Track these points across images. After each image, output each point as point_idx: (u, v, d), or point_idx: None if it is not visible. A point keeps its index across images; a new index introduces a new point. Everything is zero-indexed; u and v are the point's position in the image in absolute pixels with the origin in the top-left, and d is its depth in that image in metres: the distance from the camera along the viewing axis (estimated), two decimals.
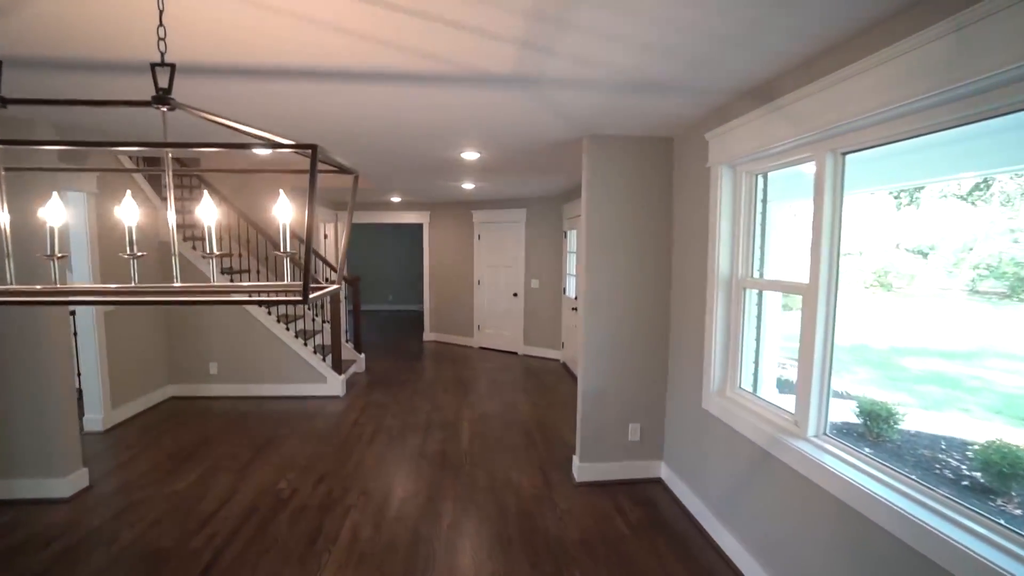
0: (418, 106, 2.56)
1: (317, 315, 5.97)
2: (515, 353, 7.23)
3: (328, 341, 5.42)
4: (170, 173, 1.15)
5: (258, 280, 5.36)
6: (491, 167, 4.37)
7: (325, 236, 7.61)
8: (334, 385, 5.07)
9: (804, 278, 2.04)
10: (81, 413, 4.06)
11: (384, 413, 4.61)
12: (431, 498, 3.06)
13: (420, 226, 8.51)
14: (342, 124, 2.95)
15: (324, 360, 5.12)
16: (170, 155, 1.16)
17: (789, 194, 2.48)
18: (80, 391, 3.99)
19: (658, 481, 3.33)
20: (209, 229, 1.14)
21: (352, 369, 5.99)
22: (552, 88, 2.27)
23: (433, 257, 8.02)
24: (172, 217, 1.15)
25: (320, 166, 1.11)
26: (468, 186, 5.73)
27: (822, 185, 1.92)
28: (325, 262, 6.02)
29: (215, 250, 1.15)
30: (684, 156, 3.06)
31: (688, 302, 3.04)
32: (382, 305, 11.85)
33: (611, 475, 3.32)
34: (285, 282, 1.12)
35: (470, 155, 3.79)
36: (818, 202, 1.94)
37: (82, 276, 3.86)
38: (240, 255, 5.48)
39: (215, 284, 1.10)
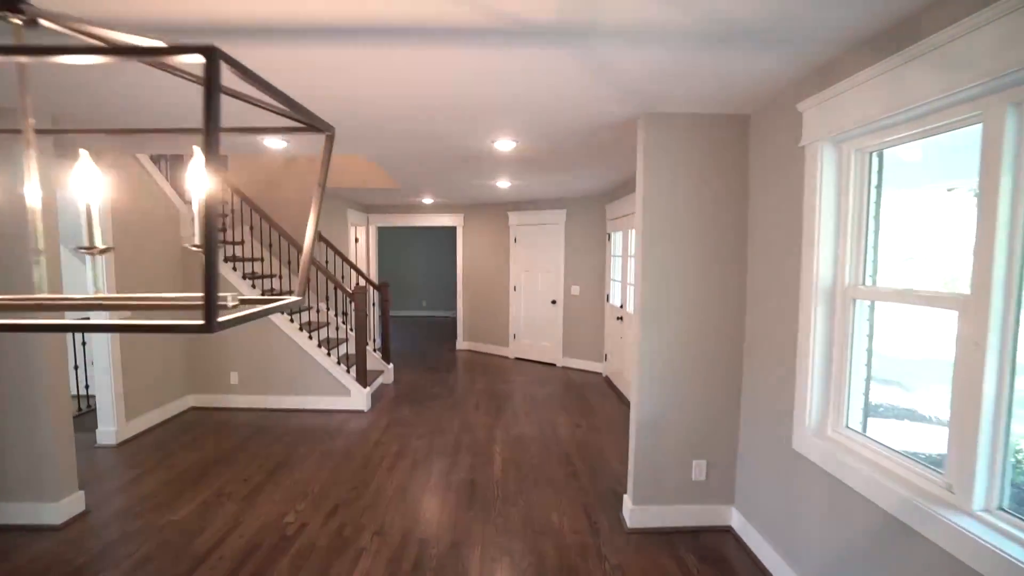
0: (443, 80, 2.14)
1: (344, 322, 5.67)
2: (553, 365, 6.72)
3: (354, 351, 5.08)
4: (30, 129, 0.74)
5: (277, 288, 5.10)
6: (528, 159, 3.92)
7: (356, 240, 7.35)
8: (358, 399, 4.72)
9: (955, 286, 1.46)
10: (93, 426, 3.86)
11: (410, 433, 4.20)
12: (455, 544, 2.60)
13: (454, 229, 8.17)
14: (363, 108, 2.56)
15: (349, 372, 4.78)
16: (29, 104, 0.75)
17: (895, 181, 1.91)
18: (91, 404, 3.77)
19: (727, 530, 2.75)
20: (88, 209, 0.72)
21: (379, 381, 5.64)
22: (604, 43, 1.78)
23: (467, 262, 7.64)
24: (34, 193, 0.73)
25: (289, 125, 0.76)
26: (503, 184, 5.30)
27: (997, 155, 1.35)
28: (356, 269, 5.71)
29: (97, 243, 0.72)
30: (766, 136, 2.50)
31: (769, 316, 2.47)
32: (416, 311, 11.58)
33: (670, 521, 2.77)
34: (187, 295, 0.68)
35: (504, 144, 3.34)
36: (989, 180, 1.37)
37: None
38: (260, 258, 5.24)
39: (74, 297, 0.68)
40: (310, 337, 4.71)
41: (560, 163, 4.02)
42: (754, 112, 2.59)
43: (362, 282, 5.77)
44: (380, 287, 5.66)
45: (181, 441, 3.97)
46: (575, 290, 6.46)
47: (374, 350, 5.76)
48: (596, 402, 5.13)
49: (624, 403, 5.00)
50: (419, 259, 11.50)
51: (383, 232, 11.43)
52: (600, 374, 6.24)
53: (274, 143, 3.41)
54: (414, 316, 11.49)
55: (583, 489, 3.24)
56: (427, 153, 3.71)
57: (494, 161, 3.97)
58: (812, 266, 2.09)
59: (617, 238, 5.69)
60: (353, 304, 4.65)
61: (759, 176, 2.56)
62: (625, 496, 2.88)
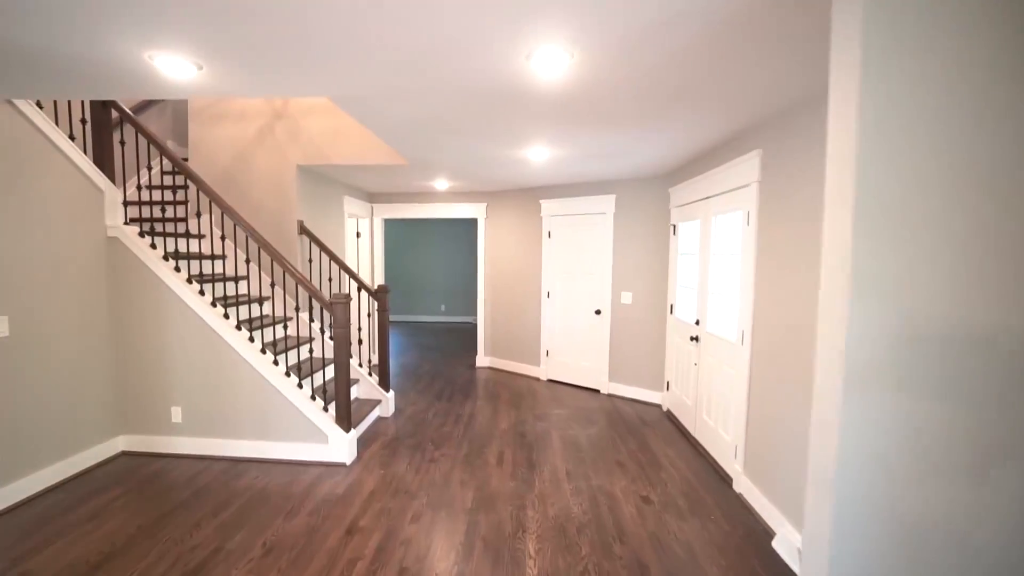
0: None
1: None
2: (596, 392, 5.35)
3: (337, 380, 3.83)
4: None
5: (242, 294, 3.87)
6: (583, 100, 2.57)
7: (358, 235, 6.13)
8: (338, 447, 3.46)
9: None
10: None
11: (403, 508, 2.91)
12: None
13: (474, 221, 6.89)
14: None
15: (328, 408, 3.53)
16: None
17: None
18: None
19: None
20: None
21: (375, 414, 4.38)
22: None
23: (490, 261, 6.33)
24: None
25: None
26: (537, 156, 3.96)
27: None
28: (342, 266, 4.47)
29: None
30: None
31: None
32: (433, 316, 10.35)
33: None
34: None
35: (550, 60, 2.01)
36: None
37: None
38: (221, 256, 4.04)
39: None
40: (276, 361, 3.47)
41: (636, 104, 2.64)
42: None
43: (354, 285, 4.54)
44: (377, 292, 4.40)
45: (85, 511, 2.78)
46: (626, 298, 5.08)
47: (369, 373, 4.51)
48: (661, 451, 3.75)
49: (699, 453, 3.61)
50: (437, 257, 10.26)
51: (392, 226, 10.24)
52: (659, 407, 4.85)
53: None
54: (431, 322, 10.26)
55: None
56: (428, 91, 2.40)
57: (530, 106, 2.63)
58: None
59: (689, 231, 4.29)
60: (332, 318, 3.40)
61: None
62: None
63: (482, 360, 6.43)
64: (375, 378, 4.51)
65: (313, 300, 4.15)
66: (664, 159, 4.02)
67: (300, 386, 3.47)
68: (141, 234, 3.47)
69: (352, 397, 4.39)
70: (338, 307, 3.37)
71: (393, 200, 6.33)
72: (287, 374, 3.47)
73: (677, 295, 4.49)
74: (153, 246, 3.45)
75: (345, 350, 3.43)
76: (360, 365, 4.49)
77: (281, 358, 3.68)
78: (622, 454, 3.72)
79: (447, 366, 6.50)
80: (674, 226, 4.56)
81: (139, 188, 4.30)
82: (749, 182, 3.00)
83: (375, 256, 6.36)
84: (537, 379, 5.83)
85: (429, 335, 8.87)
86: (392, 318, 10.39)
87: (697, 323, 3.91)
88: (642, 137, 3.25)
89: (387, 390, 4.48)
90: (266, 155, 4.36)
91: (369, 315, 4.51)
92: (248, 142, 4.37)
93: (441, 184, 5.49)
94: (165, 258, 3.45)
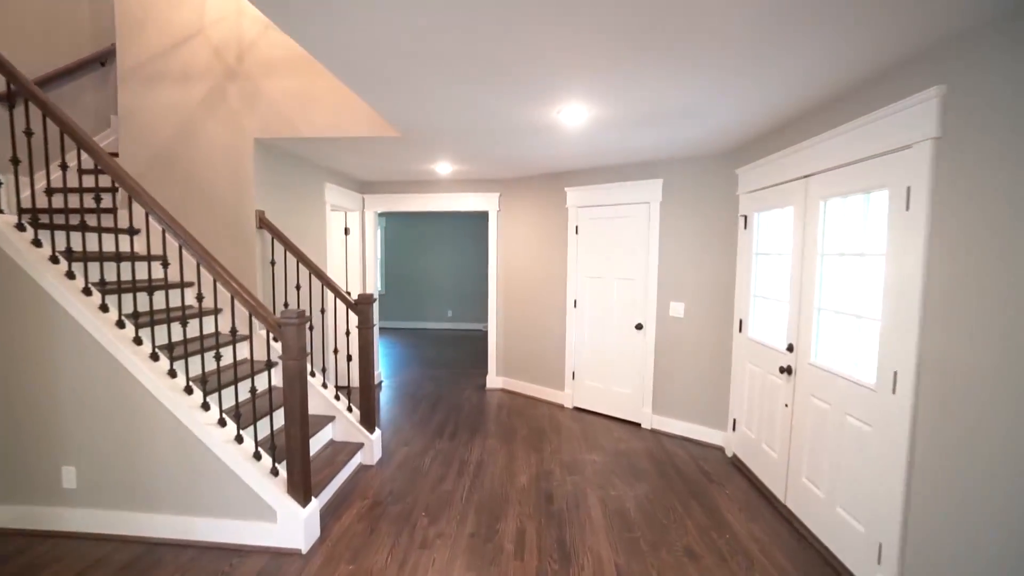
0: None
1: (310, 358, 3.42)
2: (637, 426, 4.29)
3: (295, 430, 2.81)
4: None
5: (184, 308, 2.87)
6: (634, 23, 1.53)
7: (347, 231, 5.15)
8: (291, 527, 2.44)
9: None
10: None
11: None
12: None
13: (485, 215, 5.89)
14: None
15: (277, 470, 2.52)
16: None
17: None
18: None
19: None
20: None
21: (354, 462, 3.37)
22: None
23: (504, 262, 5.29)
24: None
25: None
26: (572, 117, 2.92)
27: None
28: (322, 278, 3.46)
29: None
30: None
31: None
32: (439, 323, 9.36)
33: None
34: None
35: None
36: None
37: None
38: (162, 259, 3.07)
39: None
40: (206, 404, 2.47)
41: (756, 14, 1.60)
42: None
43: (331, 295, 3.52)
44: (358, 304, 3.38)
45: None
46: (676, 310, 4.02)
47: (348, 408, 3.50)
48: (743, 527, 2.68)
49: (798, 533, 2.54)
50: (443, 257, 9.26)
51: (392, 222, 9.26)
52: (720, 449, 3.78)
53: None
54: (437, 330, 9.26)
55: None
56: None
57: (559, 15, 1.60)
58: None
59: (769, 223, 3.22)
60: (282, 345, 2.38)
61: None
62: None
63: (494, 380, 5.39)
64: (356, 414, 3.50)
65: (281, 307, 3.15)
66: (743, 125, 2.95)
67: (240, 439, 2.47)
68: (25, 226, 2.48)
69: (326, 440, 3.39)
70: (288, 330, 2.35)
71: (389, 190, 5.33)
72: (221, 421, 2.47)
73: (751, 308, 3.41)
74: (37, 243, 2.46)
75: (298, 390, 2.41)
76: (337, 397, 3.49)
77: (225, 395, 2.68)
78: (690, 534, 2.65)
79: (452, 386, 5.47)
80: (744, 217, 3.49)
81: (63, 168, 3.33)
82: (910, 142, 1.93)
83: (368, 256, 5.36)
84: (561, 407, 4.78)
85: (434, 345, 7.86)
86: (394, 325, 9.40)
87: (790, 349, 2.83)
88: (735, 79, 2.18)
89: (371, 430, 3.46)
90: (217, 126, 3.37)
91: (347, 334, 3.51)
92: (193, 110, 3.38)
93: (444, 168, 4.47)
94: (54, 259, 2.47)
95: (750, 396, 3.38)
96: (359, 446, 3.39)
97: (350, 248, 5.26)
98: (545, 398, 4.98)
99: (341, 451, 3.27)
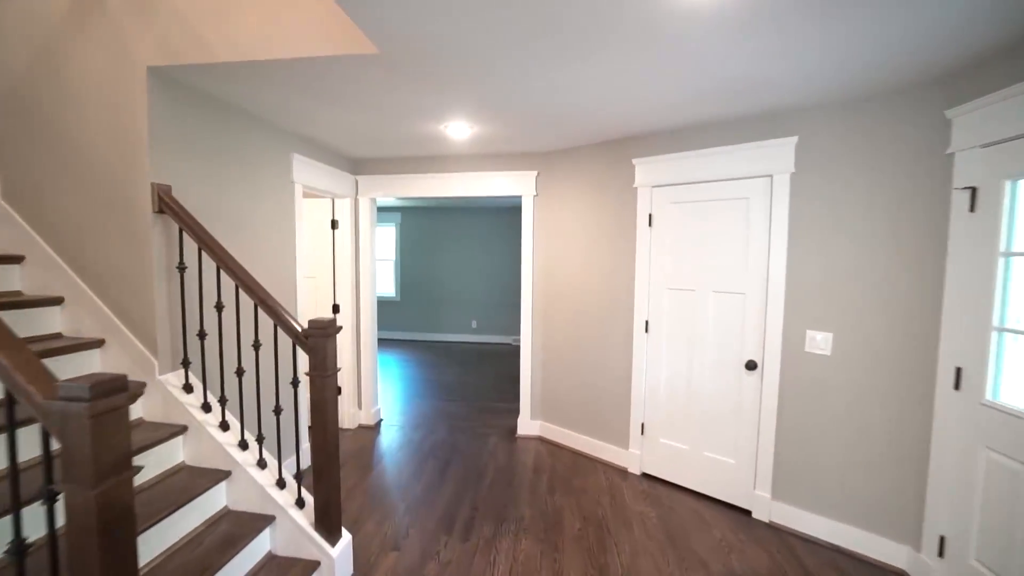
0: None
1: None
2: (746, 514, 2.83)
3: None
4: None
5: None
6: None
7: (334, 224, 3.89)
8: None
9: None
10: None
11: None
12: None
13: (517, 202, 4.59)
14: None
15: None
16: None
17: None
18: None
19: None
20: None
21: None
22: None
23: (542, 265, 3.91)
24: None
25: None
26: (685, 13, 1.52)
27: None
28: (254, 295, 2.15)
29: None
30: None
31: None
32: (460, 334, 8.06)
33: None
34: None
35: None
36: None
37: None
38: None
39: None
40: None
41: None
42: None
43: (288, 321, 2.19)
44: (308, 336, 2.04)
45: None
46: (818, 342, 2.54)
47: (297, 503, 2.18)
48: None
49: None
50: (467, 256, 7.95)
51: (409, 217, 8.00)
52: (904, 574, 2.29)
53: None
54: (458, 343, 7.96)
55: None
56: None
57: None
58: None
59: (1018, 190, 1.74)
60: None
61: None
62: None
63: (528, 424, 4.01)
64: (307, 515, 2.18)
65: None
66: (915, 52, 1.48)
67: None
68: None
69: (261, 556, 2.09)
70: (73, 422, 1.03)
71: (389, 169, 4.02)
72: None
73: (990, 349, 1.93)
74: None
75: (111, 544, 1.09)
76: (282, 484, 2.18)
77: None
78: None
79: (474, 430, 4.12)
80: (972, 192, 2.00)
81: None
82: None
83: (362, 258, 4.07)
84: (624, 472, 3.36)
85: (454, 363, 6.54)
86: (408, 337, 8.16)
87: None
88: None
89: (333, 537, 2.13)
90: (92, 51, 2.11)
91: (297, 382, 2.19)
92: (57, 28, 2.14)
93: (459, 131, 3.12)
94: None
95: (985, 504, 1.90)
96: (313, 567, 2.07)
97: (339, 247, 3.98)
98: (600, 456, 3.57)
99: (290, 569, 1.96)
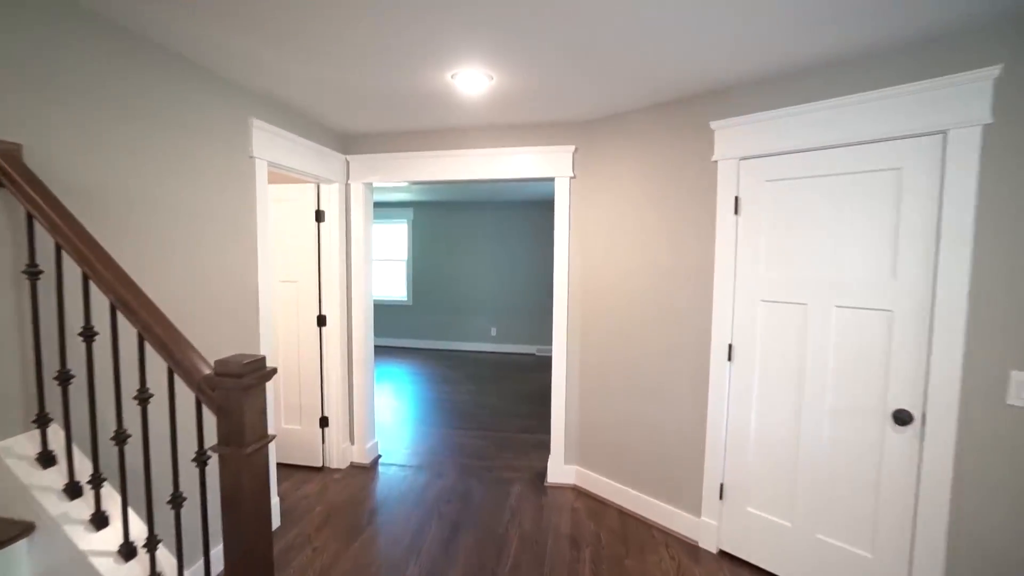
0: None
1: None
2: None
3: None
4: None
5: None
6: None
7: (319, 216, 3.10)
8: None
9: None
10: None
11: None
12: None
13: (550, 185, 3.85)
14: None
15: None
16: None
17: None
18: None
19: None
20: None
21: None
22: None
23: (580, 264, 3.04)
24: None
25: None
26: None
27: None
28: (148, 333, 1.34)
29: None
30: None
31: None
32: (478, 343, 7.25)
33: None
34: None
35: None
36: None
37: None
38: None
39: None
40: None
41: None
42: None
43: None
44: (216, 388, 1.23)
45: None
46: None
47: None
48: None
49: None
50: (487, 256, 7.13)
51: (421, 213, 7.21)
52: None
53: None
54: (475, 352, 7.14)
55: None
56: None
57: None
58: None
59: None
60: None
61: None
62: None
63: (561, 468, 3.15)
64: None
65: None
66: None
67: None
68: None
69: None
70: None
71: (387, 146, 3.20)
72: None
73: None
74: None
75: None
76: None
77: None
78: None
79: (493, 473, 3.28)
80: None
81: None
82: None
83: (355, 258, 3.27)
84: (694, 547, 2.47)
85: (471, 377, 5.72)
86: (421, 345, 7.38)
87: None
88: None
89: None
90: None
91: (203, 457, 1.37)
92: None
93: (472, 83, 2.28)
94: None
95: None
96: None
97: (326, 244, 3.19)
98: (658, 522, 2.68)
99: None
